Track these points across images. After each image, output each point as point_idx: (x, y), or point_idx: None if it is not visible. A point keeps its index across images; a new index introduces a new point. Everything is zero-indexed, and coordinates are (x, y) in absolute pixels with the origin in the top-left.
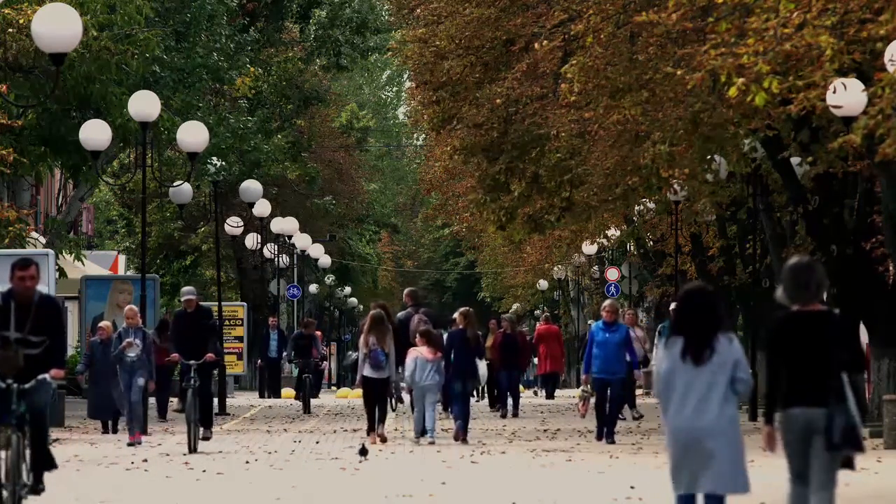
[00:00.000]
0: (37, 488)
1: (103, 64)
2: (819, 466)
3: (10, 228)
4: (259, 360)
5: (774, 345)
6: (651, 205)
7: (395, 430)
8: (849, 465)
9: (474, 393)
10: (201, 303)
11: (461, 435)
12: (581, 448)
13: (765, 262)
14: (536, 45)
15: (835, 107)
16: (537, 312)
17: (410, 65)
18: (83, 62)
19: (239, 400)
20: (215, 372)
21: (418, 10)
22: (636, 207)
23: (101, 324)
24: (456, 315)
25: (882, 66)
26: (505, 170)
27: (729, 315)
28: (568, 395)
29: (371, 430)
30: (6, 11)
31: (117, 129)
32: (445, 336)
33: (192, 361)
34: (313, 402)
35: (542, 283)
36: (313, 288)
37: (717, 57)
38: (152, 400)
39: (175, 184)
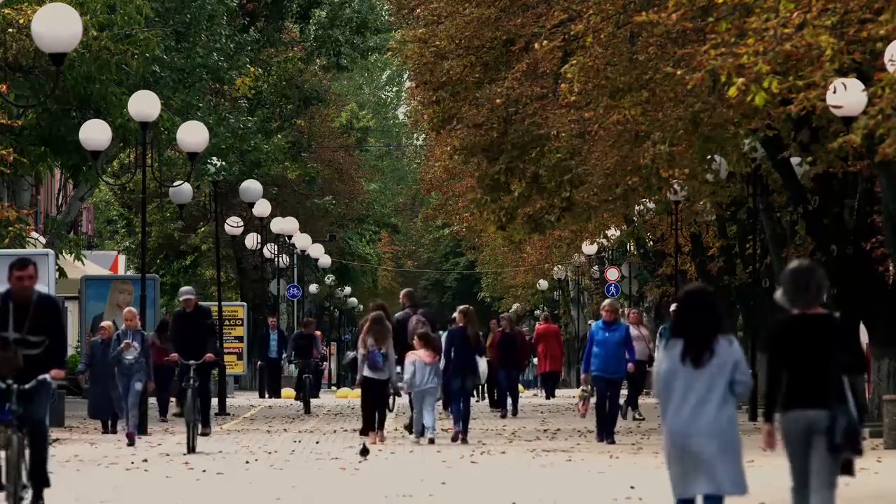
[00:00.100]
0: None
1: (103, 64)
2: (819, 465)
3: (10, 228)
4: (259, 361)
5: (775, 348)
6: (651, 205)
7: (395, 430)
8: (848, 470)
9: (475, 392)
10: (200, 303)
11: (461, 436)
12: (581, 448)
13: (765, 262)
14: (536, 45)
15: (835, 107)
16: (537, 312)
17: (410, 65)
18: (83, 62)
19: (239, 400)
20: (215, 371)
21: (418, 10)
22: (636, 207)
23: (103, 323)
24: (455, 313)
25: (882, 66)
26: (505, 170)
27: (729, 315)
28: (568, 395)
29: (365, 430)
30: (6, 11)
31: (117, 129)
32: (445, 335)
33: (191, 361)
34: (313, 402)
35: (542, 283)
36: (313, 288)
37: (717, 57)
38: (153, 400)
39: (175, 184)
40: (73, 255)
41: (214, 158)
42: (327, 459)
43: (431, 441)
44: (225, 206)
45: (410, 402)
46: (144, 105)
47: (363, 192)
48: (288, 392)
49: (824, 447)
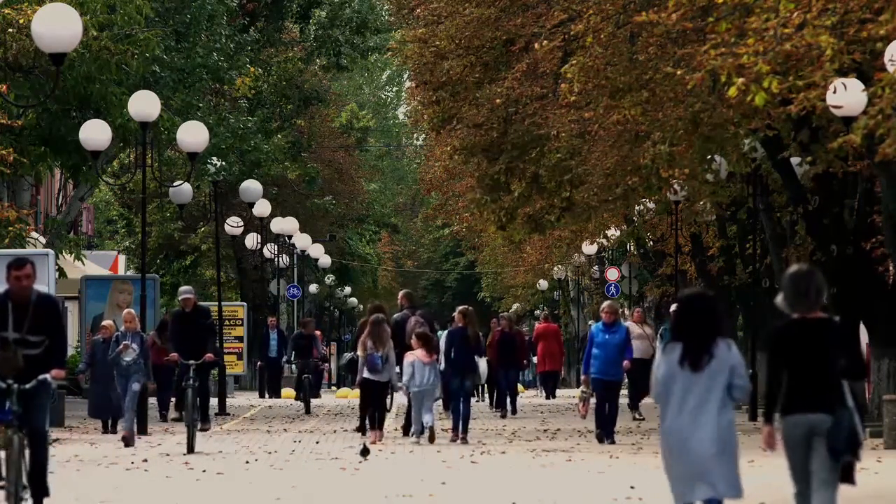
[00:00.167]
0: None
1: (103, 64)
2: (820, 466)
3: (10, 228)
4: (259, 361)
5: (775, 352)
6: (651, 205)
7: (395, 430)
8: (848, 479)
9: (475, 392)
10: (200, 303)
11: (461, 436)
12: (581, 448)
13: (765, 262)
14: (536, 45)
15: (835, 107)
16: (537, 312)
17: (410, 65)
18: (83, 62)
19: (239, 400)
20: (214, 371)
21: (418, 10)
22: (636, 207)
23: (104, 322)
24: (455, 314)
25: (882, 66)
26: (505, 170)
27: (729, 315)
28: (568, 395)
29: (362, 430)
30: (6, 11)
31: (117, 129)
32: (444, 335)
33: (191, 361)
34: (313, 402)
35: (542, 283)
36: (313, 288)
37: (717, 57)
38: (153, 400)
39: (175, 184)
40: (73, 255)
41: (214, 158)
42: (327, 459)
43: (431, 431)
44: (225, 206)
45: (409, 403)
46: (144, 105)
47: (363, 192)
48: (288, 392)
49: (825, 449)
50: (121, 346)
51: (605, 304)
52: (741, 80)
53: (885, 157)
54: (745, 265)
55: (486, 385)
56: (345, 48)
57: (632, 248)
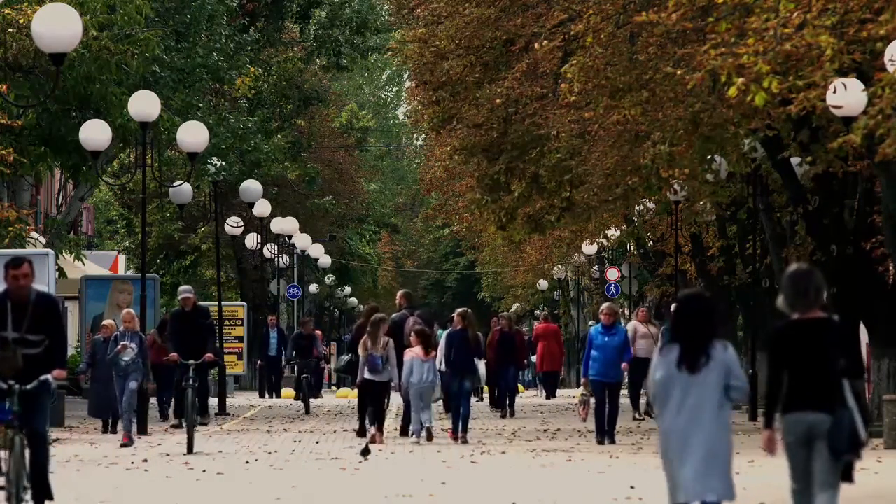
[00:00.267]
0: None
1: (103, 64)
2: (822, 467)
3: (10, 228)
4: (259, 360)
5: (775, 352)
6: (651, 205)
7: (395, 430)
8: (848, 477)
9: (475, 392)
10: (200, 303)
11: (461, 435)
12: (581, 448)
13: (765, 262)
14: (536, 45)
15: (835, 107)
16: (537, 312)
17: (410, 65)
18: (83, 62)
19: (239, 400)
20: (214, 371)
21: (418, 10)
22: (636, 207)
23: (105, 322)
24: (454, 315)
25: (882, 66)
26: (505, 170)
27: (729, 315)
28: (567, 395)
29: (362, 432)
30: (6, 11)
31: (117, 129)
32: (444, 337)
33: (190, 361)
34: (313, 402)
35: (542, 283)
36: (313, 288)
37: (717, 57)
38: (153, 400)
39: (175, 184)
40: (73, 255)
41: (214, 158)
42: (327, 459)
43: (429, 431)
44: (225, 206)
45: (407, 403)
46: (144, 105)
47: (363, 192)
48: (288, 392)
49: (826, 451)
50: (119, 346)
51: (604, 305)
52: (741, 80)
53: (885, 157)
54: (745, 265)
55: (485, 386)
56: (345, 48)
57: (632, 248)
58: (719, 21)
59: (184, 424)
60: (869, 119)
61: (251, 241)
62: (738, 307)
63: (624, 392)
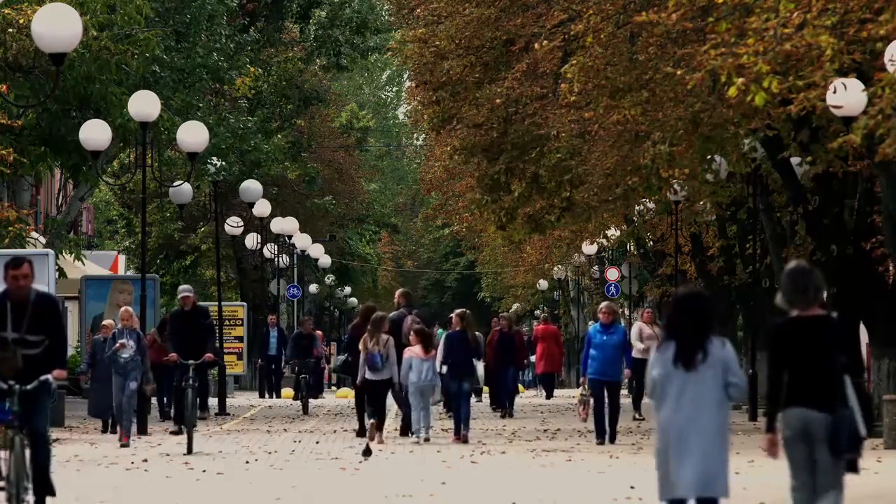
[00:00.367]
0: None
1: (103, 64)
2: (824, 467)
3: (10, 228)
4: (259, 360)
5: (774, 351)
6: (651, 205)
7: (395, 430)
8: (853, 468)
9: (475, 393)
10: (200, 303)
11: (463, 433)
12: (581, 448)
13: (765, 262)
14: (536, 45)
15: (835, 107)
16: (537, 312)
17: (410, 65)
18: (83, 62)
19: (239, 400)
20: (214, 371)
21: (418, 10)
22: (636, 207)
23: (105, 322)
24: (452, 316)
25: (882, 66)
26: (505, 170)
27: (729, 315)
28: (567, 396)
29: (362, 432)
30: (6, 11)
31: (117, 129)
32: (443, 337)
33: (190, 361)
34: (314, 402)
35: (542, 283)
36: (313, 288)
37: (717, 57)
38: (153, 400)
39: (175, 184)
40: (73, 255)
41: (214, 158)
42: (327, 459)
43: (427, 440)
44: (225, 206)
45: (407, 402)
46: (144, 105)
47: (363, 192)
48: (287, 392)
49: (827, 452)
50: (117, 345)
51: (603, 304)
52: (741, 80)
53: (885, 157)
54: (745, 265)
55: (484, 387)
56: (345, 48)
57: (632, 248)
58: (719, 21)
59: (183, 430)
60: (869, 119)
61: (251, 241)
62: (738, 307)
63: (625, 392)
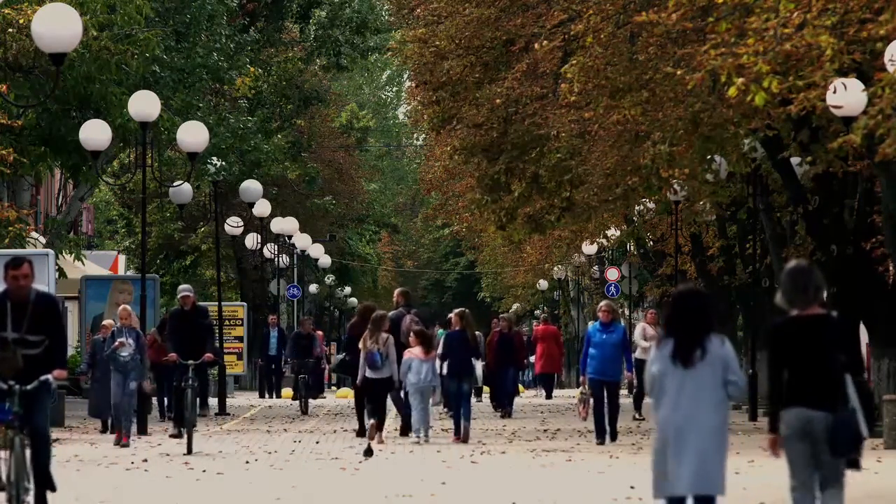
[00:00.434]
0: None
1: (103, 64)
2: (825, 467)
3: (10, 228)
4: (259, 360)
5: (774, 350)
6: (651, 205)
7: (395, 430)
8: (855, 465)
9: (475, 393)
10: (200, 303)
11: (463, 436)
12: (581, 448)
13: (765, 262)
14: (536, 45)
15: (835, 107)
16: (537, 312)
17: (410, 65)
18: (83, 62)
19: (239, 400)
20: (214, 371)
21: (418, 10)
22: (636, 207)
23: (105, 322)
24: (451, 316)
25: (882, 66)
26: (505, 170)
27: (729, 315)
28: (567, 395)
29: (362, 432)
30: (6, 11)
31: (117, 129)
32: (443, 337)
33: (189, 361)
34: (314, 402)
35: (542, 283)
36: (313, 288)
37: (717, 57)
38: (154, 400)
39: (175, 184)
40: (73, 255)
41: (214, 158)
42: (327, 459)
43: (424, 440)
44: (225, 206)
45: (407, 404)
46: (144, 105)
47: (363, 192)
48: (287, 392)
49: (828, 452)
50: (116, 343)
51: (602, 303)
52: (741, 80)
53: (885, 157)
54: (745, 265)
55: (483, 387)
56: (345, 48)
57: (632, 248)
58: (719, 21)
59: (183, 433)
60: (869, 119)
61: (251, 241)
62: (738, 307)
63: (624, 392)
